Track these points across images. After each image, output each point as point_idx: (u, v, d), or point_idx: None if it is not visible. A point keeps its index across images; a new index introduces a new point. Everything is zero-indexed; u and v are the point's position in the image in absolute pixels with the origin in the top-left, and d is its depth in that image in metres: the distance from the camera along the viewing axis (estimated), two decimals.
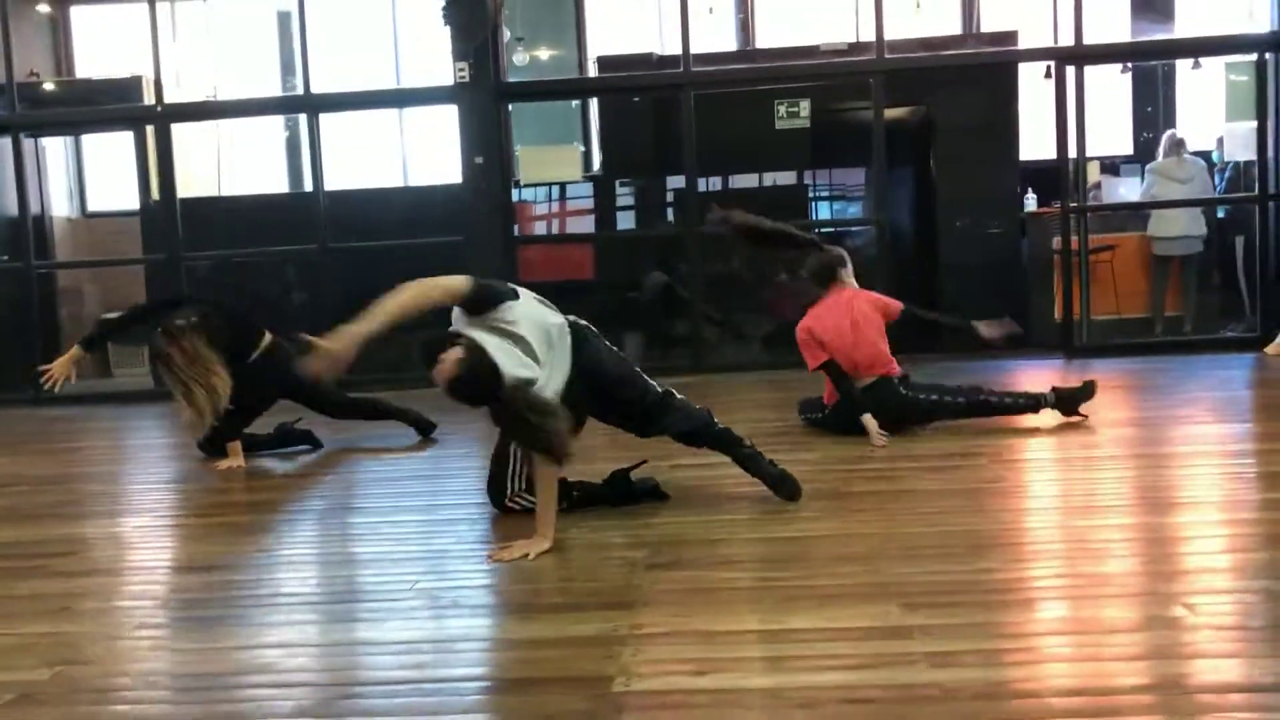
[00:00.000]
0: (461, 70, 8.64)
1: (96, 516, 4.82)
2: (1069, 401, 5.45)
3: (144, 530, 4.53)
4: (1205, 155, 9.79)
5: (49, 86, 10.67)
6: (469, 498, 4.59)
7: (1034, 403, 5.47)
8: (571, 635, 2.85)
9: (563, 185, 9.87)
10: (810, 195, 10.49)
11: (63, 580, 3.73)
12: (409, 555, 3.84)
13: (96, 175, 12.04)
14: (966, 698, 2.33)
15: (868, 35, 9.49)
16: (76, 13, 11.88)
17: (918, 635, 2.71)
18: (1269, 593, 2.97)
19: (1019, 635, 2.78)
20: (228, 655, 2.89)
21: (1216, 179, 9.86)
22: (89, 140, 11.83)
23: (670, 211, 10.29)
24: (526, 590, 3.29)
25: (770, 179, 10.48)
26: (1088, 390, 5.47)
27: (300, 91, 9.04)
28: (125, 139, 10.76)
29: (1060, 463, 4.87)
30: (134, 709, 2.58)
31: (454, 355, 3.46)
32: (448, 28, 8.59)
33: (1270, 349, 8.32)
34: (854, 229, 9.88)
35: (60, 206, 11.43)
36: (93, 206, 12.01)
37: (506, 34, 9.34)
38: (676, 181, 10.08)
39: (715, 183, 9.92)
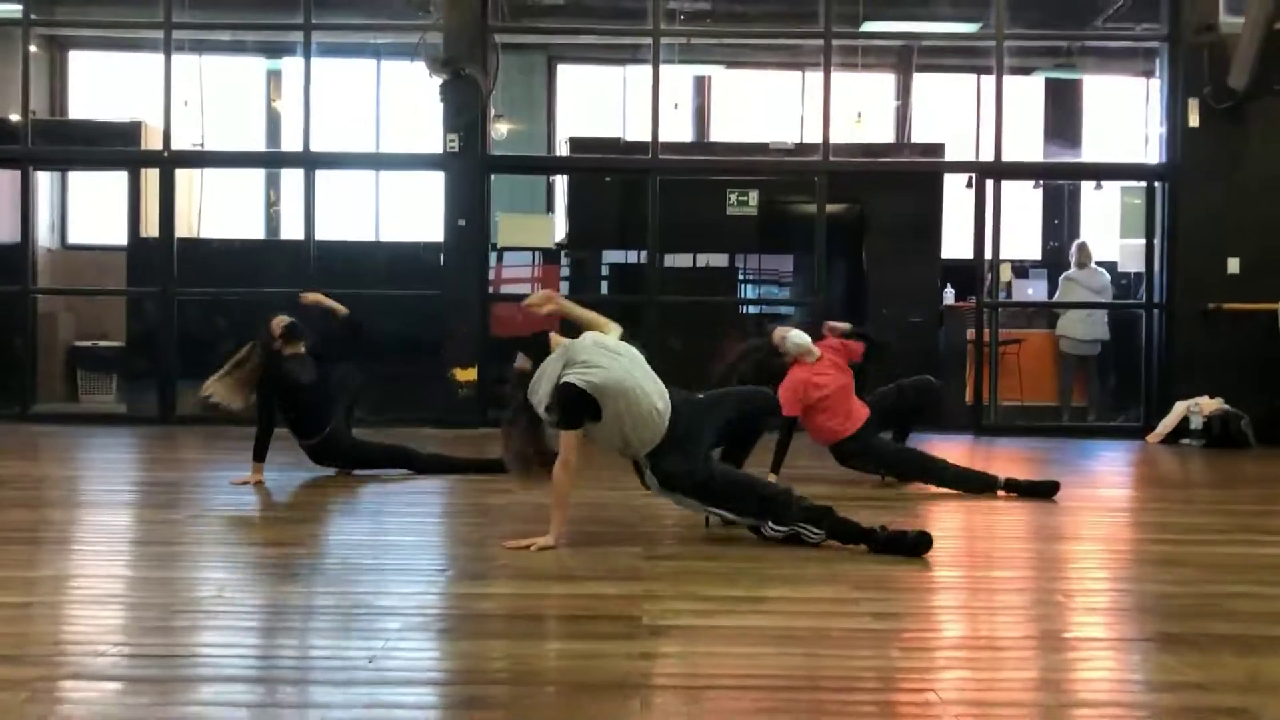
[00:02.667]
0: (452, 141, 9.54)
1: (124, 506, 5.54)
2: (1028, 490, 6.03)
3: (170, 523, 5.20)
4: (1110, 265, 11.07)
5: (32, 119, 11.25)
6: (480, 500, 5.37)
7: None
8: (600, 594, 3.70)
9: (499, 251, 10.54)
10: (740, 278, 11.49)
11: (127, 554, 4.45)
12: (439, 542, 4.64)
13: (79, 211, 12.63)
14: (898, 637, 3.24)
15: (811, 137, 10.63)
16: (74, 57, 12.59)
17: (864, 603, 3.62)
18: (1135, 592, 3.95)
19: (934, 607, 3.70)
20: (298, 600, 3.66)
21: (1138, 287, 11.10)
22: (75, 178, 12.44)
23: (605, 285, 11.15)
24: (555, 568, 4.10)
25: (704, 260, 11.46)
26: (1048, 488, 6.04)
27: (300, 148, 9.83)
28: (116, 179, 11.42)
29: (968, 507, 5.81)
30: (228, 630, 3.35)
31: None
32: (442, 104, 9.50)
33: (1151, 437, 9.49)
34: (794, 307, 10.91)
35: (43, 238, 11.96)
36: (72, 239, 12.59)
37: (492, 111, 10.27)
38: (615, 255, 11.00)
39: (640, 258, 10.65)
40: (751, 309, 11.66)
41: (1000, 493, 5.99)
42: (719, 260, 11.35)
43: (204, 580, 3.93)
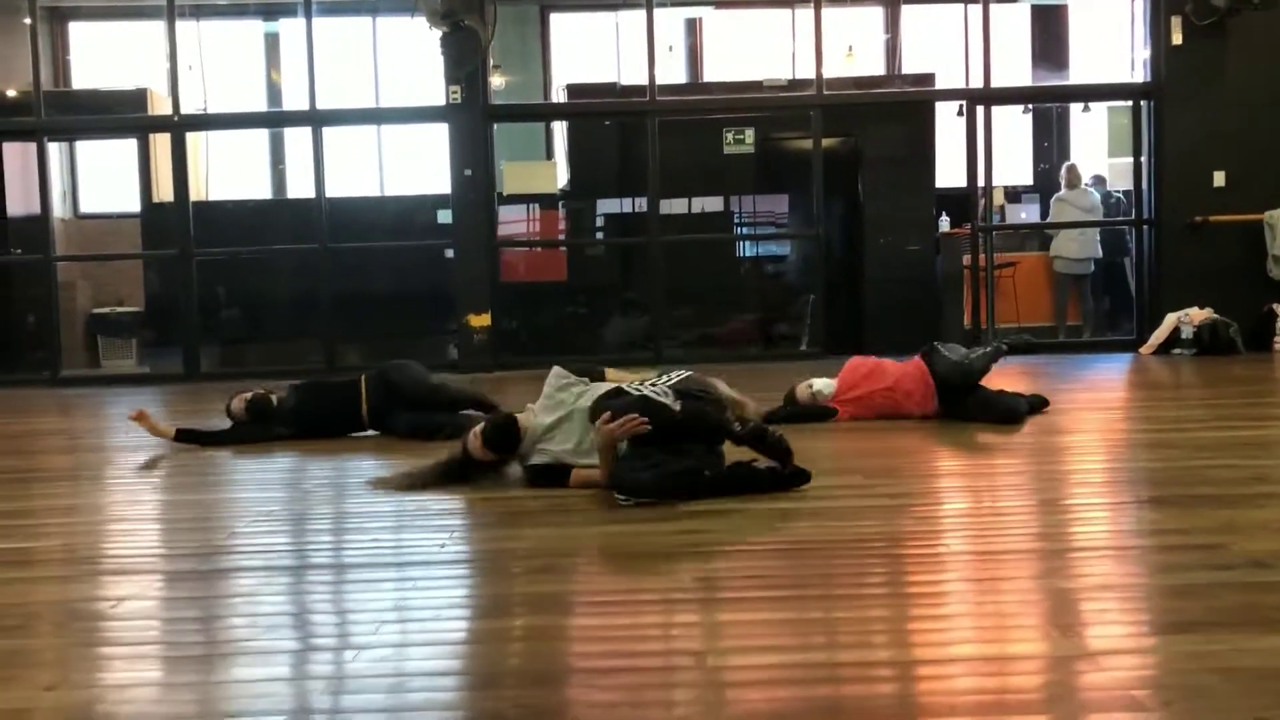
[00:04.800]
0: (455, 92, 9.79)
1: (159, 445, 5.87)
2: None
3: (210, 459, 5.54)
4: (1100, 179, 11.35)
5: (28, 91, 11.48)
6: None
7: None
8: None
9: (499, 203, 10.74)
10: (736, 221, 11.70)
11: (180, 482, 4.81)
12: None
13: (89, 180, 12.89)
14: (906, 510, 3.59)
15: (803, 73, 10.87)
16: (74, 28, 12.77)
17: (877, 487, 3.97)
18: (1125, 469, 4.31)
19: (940, 487, 4.06)
20: (365, 508, 4.01)
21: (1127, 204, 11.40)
22: (82, 148, 12.69)
23: (600, 233, 11.37)
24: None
25: (700, 205, 11.68)
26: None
27: (306, 107, 10.07)
28: (123, 147, 11.68)
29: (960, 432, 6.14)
30: (311, 532, 3.70)
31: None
32: (443, 56, 9.73)
33: (1144, 348, 9.83)
34: (796, 239, 11.20)
35: (56, 208, 12.23)
36: (84, 208, 12.86)
37: (492, 62, 10.50)
38: (610, 205, 11.17)
39: (641, 203, 10.83)
40: (749, 248, 11.90)
41: None
42: (714, 205, 11.53)
43: (266, 499, 4.27)
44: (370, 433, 5.79)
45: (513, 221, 10.75)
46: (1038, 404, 6.02)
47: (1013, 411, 5.47)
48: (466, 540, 3.39)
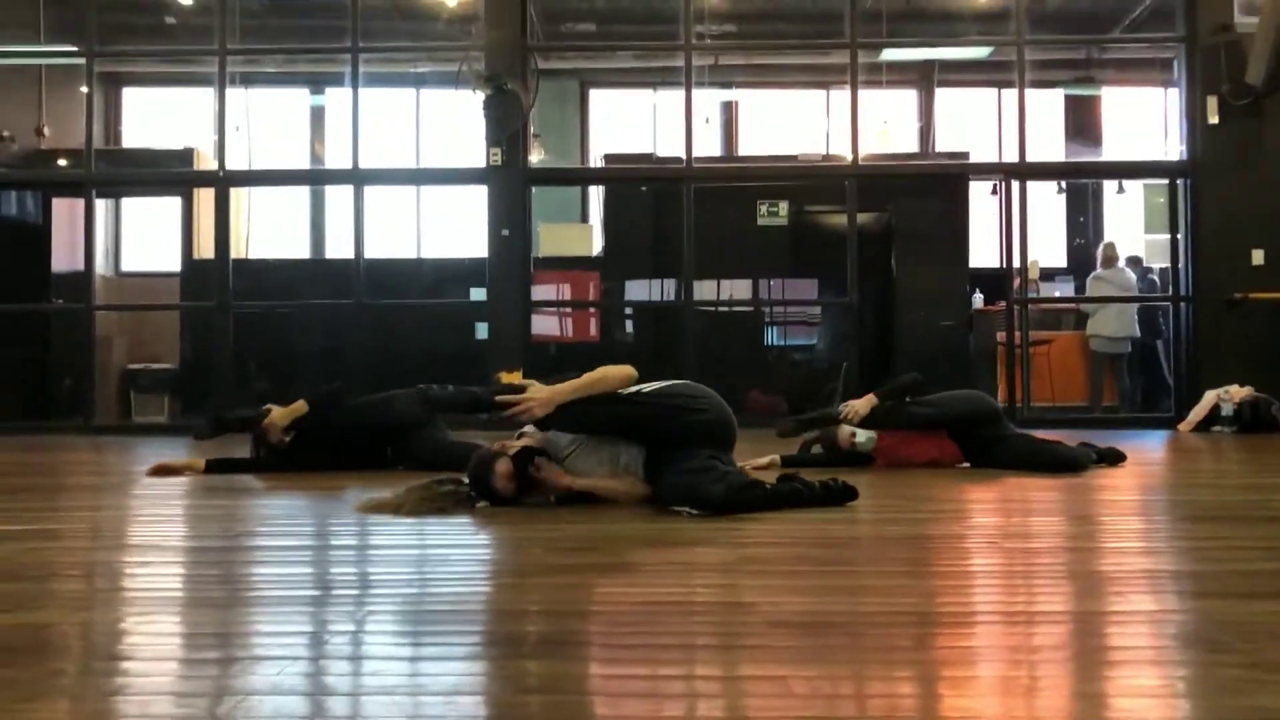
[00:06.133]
0: (495, 155, 9.93)
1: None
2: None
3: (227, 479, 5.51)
4: (1135, 260, 11.32)
5: (80, 151, 11.77)
6: None
7: None
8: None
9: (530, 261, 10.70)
10: (766, 303, 11.61)
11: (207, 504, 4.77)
12: None
13: (132, 239, 13.13)
14: (935, 518, 3.48)
15: (837, 149, 10.98)
16: (127, 93, 13.16)
17: (911, 503, 3.87)
18: (1162, 501, 4.19)
19: (978, 507, 3.94)
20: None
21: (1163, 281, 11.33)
22: (128, 207, 12.96)
23: (630, 308, 11.28)
24: None
25: (728, 289, 11.60)
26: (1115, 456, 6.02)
27: (348, 166, 10.25)
28: (167, 207, 11.92)
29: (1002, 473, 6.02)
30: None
31: None
32: (485, 118, 9.90)
33: (1183, 425, 9.67)
34: (830, 306, 11.15)
35: (98, 265, 12.43)
36: (126, 267, 13.08)
37: (532, 130, 10.67)
38: (638, 290, 11.13)
39: (670, 287, 10.94)
40: (778, 333, 11.83)
41: None
42: (743, 290, 11.36)
43: (290, 504, 4.21)
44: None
45: (547, 282, 10.80)
46: (1109, 457, 5.80)
47: (1071, 460, 5.33)
48: (493, 528, 3.31)
